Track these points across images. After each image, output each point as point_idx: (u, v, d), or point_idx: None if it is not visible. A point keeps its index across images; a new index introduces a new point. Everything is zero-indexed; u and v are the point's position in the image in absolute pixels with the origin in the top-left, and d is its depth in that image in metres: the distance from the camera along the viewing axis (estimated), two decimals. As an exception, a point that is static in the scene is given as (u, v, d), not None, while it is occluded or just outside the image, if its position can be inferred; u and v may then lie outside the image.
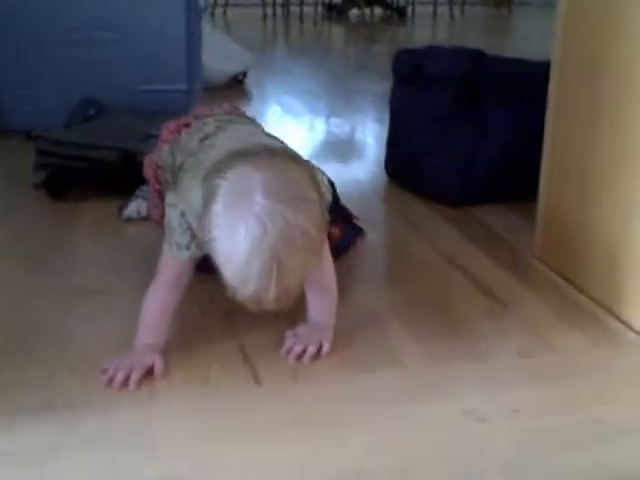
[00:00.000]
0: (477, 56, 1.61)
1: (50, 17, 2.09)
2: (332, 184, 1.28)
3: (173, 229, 1.03)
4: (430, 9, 6.46)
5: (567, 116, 1.30)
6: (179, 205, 1.03)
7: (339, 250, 1.30)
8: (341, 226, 1.33)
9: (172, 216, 1.03)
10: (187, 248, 1.03)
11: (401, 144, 1.79)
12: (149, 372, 1.00)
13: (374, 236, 1.49)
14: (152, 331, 1.04)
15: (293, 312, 1.13)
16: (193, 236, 1.01)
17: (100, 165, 1.72)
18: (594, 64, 1.21)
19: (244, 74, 3.18)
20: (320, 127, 2.74)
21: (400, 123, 1.78)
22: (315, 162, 2.16)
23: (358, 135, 2.51)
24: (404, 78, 1.73)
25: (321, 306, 1.11)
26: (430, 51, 1.70)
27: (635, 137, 1.12)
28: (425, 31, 5.96)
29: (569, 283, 1.30)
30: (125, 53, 2.14)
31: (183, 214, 1.02)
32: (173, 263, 1.05)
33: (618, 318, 1.18)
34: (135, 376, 0.98)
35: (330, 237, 1.26)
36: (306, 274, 0.94)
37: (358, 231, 1.44)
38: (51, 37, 2.10)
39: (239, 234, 0.87)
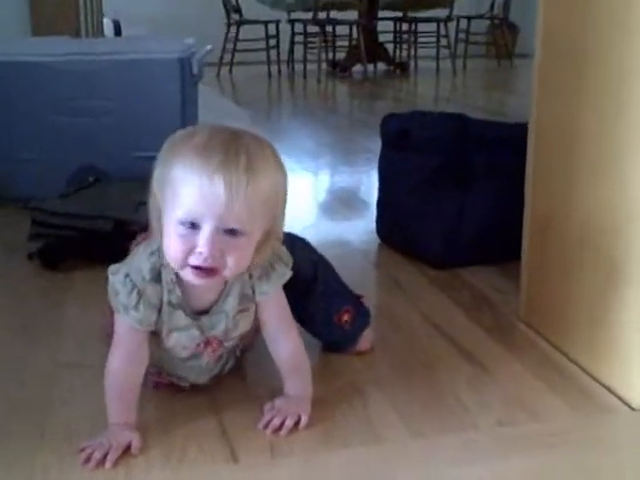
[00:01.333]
0: (460, 120, 1.64)
1: (48, 87, 2.14)
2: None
3: (117, 292, 1.01)
4: (432, 64, 6.56)
5: (546, 178, 1.32)
6: (122, 269, 1.01)
7: (346, 341, 1.28)
8: (350, 310, 1.28)
9: (114, 281, 1.01)
10: (135, 309, 1.00)
11: (390, 206, 1.81)
12: (126, 449, 1.00)
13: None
14: (122, 409, 1.03)
15: (272, 386, 1.14)
16: (140, 295, 1.00)
17: (93, 235, 1.75)
18: (570, 124, 1.23)
19: (244, 135, 3.23)
20: (318, 187, 2.77)
21: (388, 186, 1.81)
22: (309, 221, 2.20)
23: (356, 195, 2.53)
24: (391, 142, 1.76)
25: (296, 377, 1.11)
26: (415, 116, 1.74)
27: (614, 198, 1.13)
28: (428, 86, 6.05)
29: (553, 347, 1.30)
30: (122, 121, 2.18)
31: (127, 275, 1.00)
32: (126, 331, 1.02)
33: (601, 383, 1.18)
34: (112, 456, 0.98)
35: (340, 322, 1.27)
36: (275, 195, 0.96)
37: (365, 316, 1.31)
38: (49, 106, 2.15)
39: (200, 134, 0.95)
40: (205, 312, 1.06)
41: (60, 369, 1.26)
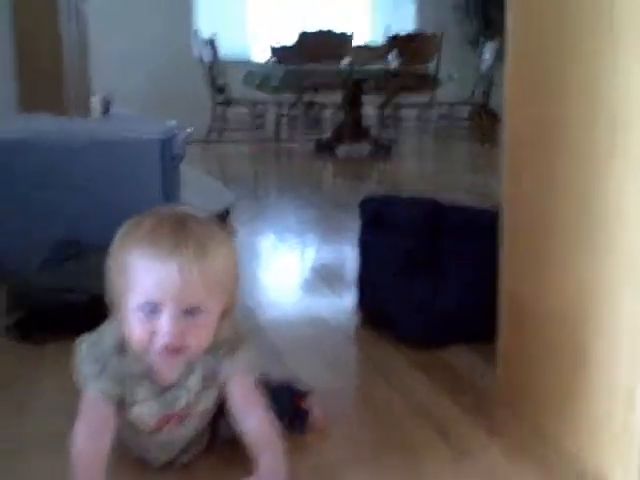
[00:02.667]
0: (433, 205, 1.68)
1: (29, 164, 2.16)
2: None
3: (81, 361, 1.03)
4: (416, 145, 6.68)
5: (518, 260, 1.33)
6: (88, 340, 1.04)
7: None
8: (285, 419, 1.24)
9: (80, 351, 1.03)
10: (98, 378, 1.01)
11: (369, 286, 1.82)
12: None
13: (339, 382, 1.48)
14: None
15: (247, 465, 1.11)
16: (103, 366, 1.01)
17: (70, 308, 1.73)
18: (540, 207, 1.25)
19: (227, 212, 3.25)
20: (300, 265, 2.77)
21: (368, 265, 1.82)
22: (290, 299, 2.19)
23: (337, 274, 2.53)
24: (369, 223, 1.78)
25: (266, 456, 1.08)
26: (390, 200, 1.78)
27: (584, 280, 1.14)
28: (411, 167, 6.14)
29: (532, 428, 1.28)
30: (103, 200, 2.19)
31: (93, 345, 1.03)
32: (90, 405, 1.03)
33: (581, 467, 1.16)
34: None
35: None
36: (227, 270, 0.98)
37: (302, 422, 1.27)
38: (29, 182, 2.16)
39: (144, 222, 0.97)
40: (168, 388, 1.06)
41: (29, 445, 1.23)
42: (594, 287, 1.12)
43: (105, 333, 1.04)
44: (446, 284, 1.66)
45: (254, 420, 1.09)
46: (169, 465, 1.14)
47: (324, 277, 2.42)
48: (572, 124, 1.15)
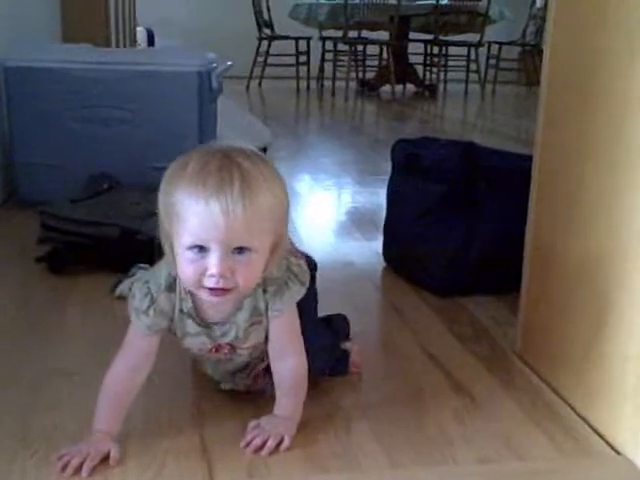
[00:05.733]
0: (469, 149, 1.64)
1: (67, 94, 2.18)
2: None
3: (133, 296, 1.05)
4: (461, 87, 6.55)
5: (549, 208, 1.31)
6: (144, 277, 1.06)
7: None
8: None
9: (135, 287, 1.05)
10: (145, 314, 1.04)
11: (396, 231, 1.81)
12: (105, 459, 1.01)
13: (358, 326, 1.49)
14: (109, 418, 1.04)
15: (260, 405, 1.14)
16: (152, 302, 1.03)
17: (100, 242, 1.76)
18: (574, 155, 1.22)
19: (264, 150, 3.25)
20: (331, 207, 2.77)
21: (395, 210, 1.80)
22: (318, 240, 2.19)
23: (368, 217, 2.52)
24: (400, 167, 1.76)
25: (291, 398, 1.11)
26: (424, 142, 1.74)
27: (612, 233, 1.12)
28: (455, 109, 6.04)
29: (545, 384, 1.28)
30: (139, 131, 2.21)
31: (146, 282, 1.05)
32: (136, 337, 1.06)
33: (590, 425, 1.16)
34: (89, 464, 0.99)
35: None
36: (276, 207, 0.96)
37: (343, 366, 1.31)
38: (66, 113, 2.18)
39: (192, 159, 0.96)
40: (215, 323, 1.08)
41: (50, 376, 1.27)
42: (622, 240, 1.09)
43: (158, 271, 1.05)
44: (479, 231, 1.63)
45: (289, 363, 1.09)
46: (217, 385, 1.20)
47: (356, 220, 2.42)
48: (611, 67, 1.12)
